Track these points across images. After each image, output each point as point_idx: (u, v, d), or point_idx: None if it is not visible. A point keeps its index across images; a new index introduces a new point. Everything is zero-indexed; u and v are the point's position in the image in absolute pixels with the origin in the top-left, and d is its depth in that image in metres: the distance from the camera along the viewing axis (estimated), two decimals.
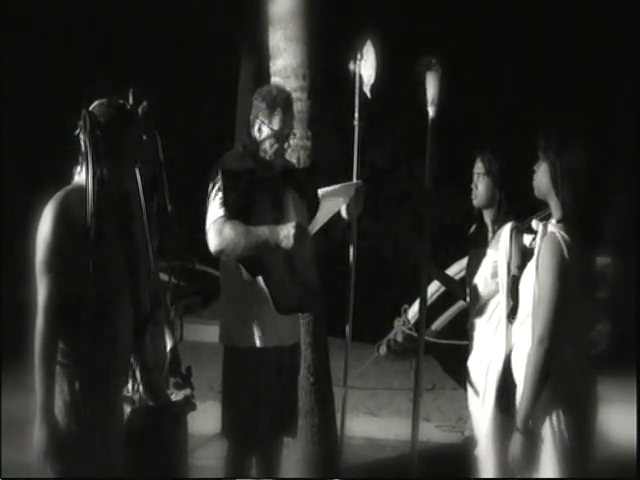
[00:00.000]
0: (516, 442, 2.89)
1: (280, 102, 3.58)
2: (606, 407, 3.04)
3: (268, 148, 3.58)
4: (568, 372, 2.90)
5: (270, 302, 3.47)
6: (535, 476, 2.91)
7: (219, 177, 3.45)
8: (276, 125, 3.56)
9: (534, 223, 3.02)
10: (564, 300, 2.85)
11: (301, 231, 3.41)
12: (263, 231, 3.40)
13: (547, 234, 2.92)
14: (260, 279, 3.47)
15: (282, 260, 3.51)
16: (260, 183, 3.54)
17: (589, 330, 3.13)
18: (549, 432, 2.87)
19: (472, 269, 3.66)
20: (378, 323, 7.51)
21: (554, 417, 2.87)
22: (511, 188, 3.59)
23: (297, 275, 3.58)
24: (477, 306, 3.62)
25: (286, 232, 3.38)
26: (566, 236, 2.87)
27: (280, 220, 3.51)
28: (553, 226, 2.93)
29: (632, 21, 8.26)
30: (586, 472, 2.91)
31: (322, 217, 3.82)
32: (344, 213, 3.92)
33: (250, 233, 3.39)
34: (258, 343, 3.55)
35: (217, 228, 3.41)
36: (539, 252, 2.92)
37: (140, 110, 2.84)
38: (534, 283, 2.92)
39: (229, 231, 3.39)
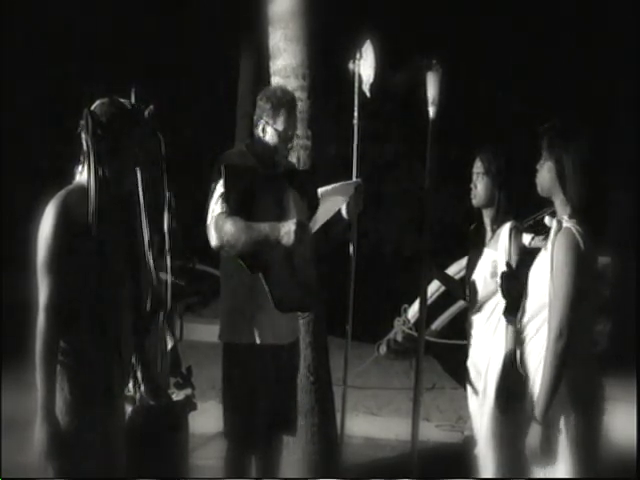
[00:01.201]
0: (534, 433, 2.90)
1: (285, 103, 3.61)
2: (607, 406, 3.05)
3: (272, 148, 3.60)
4: (579, 367, 2.93)
5: (270, 300, 3.48)
6: (550, 466, 2.93)
7: (222, 173, 3.47)
8: (280, 126, 3.58)
9: (547, 219, 3.01)
10: (581, 294, 2.87)
11: (302, 228, 3.42)
12: (264, 227, 3.42)
13: (562, 229, 2.92)
14: (260, 277, 3.49)
15: (282, 259, 3.52)
16: (262, 181, 3.55)
17: (593, 327, 3.15)
18: (563, 423, 2.90)
19: (472, 269, 3.66)
20: (378, 323, 7.52)
21: (569, 409, 2.90)
22: (510, 188, 3.59)
23: (297, 274, 3.59)
24: (476, 306, 3.62)
25: (287, 229, 3.40)
26: (581, 230, 2.89)
27: (281, 218, 3.52)
28: (567, 221, 2.93)
29: (632, 21, 8.27)
30: (596, 463, 2.95)
31: (322, 216, 3.82)
32: (344, 212, 3.92)
33: (251, 229, 3.41)
34: (256, 340, 3.56)
35: (218, 223, 3.43)
36: (554, 248, 2.91)
37: (146, 113, 2.83)
38: (549, 279, 2.93)
39: (230, 226, 3.41)
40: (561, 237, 2.90)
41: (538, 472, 2.97)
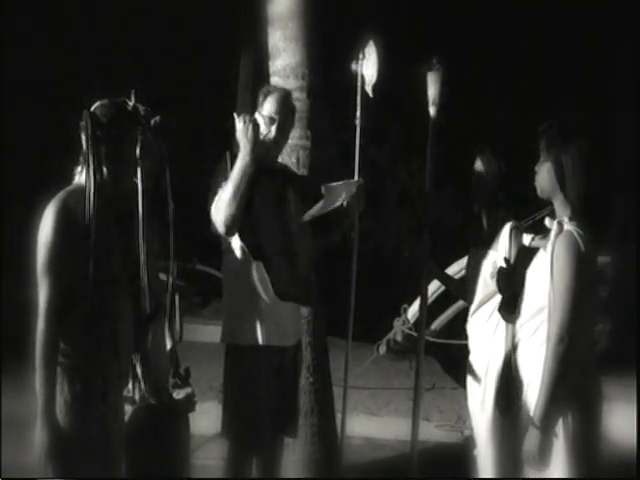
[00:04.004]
0: (532, 438, 2.87)
1: (274, 91, 3.68)
2: (606, 406, 3.04)
3: (264, 140, 3.60)
4: (579, 370, 2.90)
5: (270, 288, 3.51)
6: (548, 471, 2.90)
7: (225, 164, 3.49)
8: (266, 111, 3.60)
9: (547, 221, 2.99)
10: (582, 298, 2.84)
11: (254, 126, 3.44)
12: (235, 165, 3.44)
13: (563, 232, 2.89)
14: (260, 265, 3.51)
15: (281, 251, 3.56)
16: (262, 176, 3.55)
17: (592, 328, 3.13)
18: (562, 429, 2.87)
19: (472, 269, 3.66)
20: (378, 323, 7.52)
21: (568, 415, 2.87)
22: (510, 188, 3.59)
23: (296, 266, 3.62)
24: (476, 306, 3.62)
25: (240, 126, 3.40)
26: (582, 234, 2.86)
27: (282, 213, 3.57)
28: (568, 224, 2.90)
29: (633, 20, 8.28)
30: (595, 469, 2.91)
31: (321, 206, 3.80)
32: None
33: (230, 178, 3.43)
34: (260, 341, 3.56)
35: (215, 205, 3.47)
36: (553, 251, 2.88)
37: (152, 122, 2.83)
38: (548, 283, 2.90)
39: (221, 194, 3.44)
40: (562, 240, 2.87)
41: (536, 476, 2.96)
